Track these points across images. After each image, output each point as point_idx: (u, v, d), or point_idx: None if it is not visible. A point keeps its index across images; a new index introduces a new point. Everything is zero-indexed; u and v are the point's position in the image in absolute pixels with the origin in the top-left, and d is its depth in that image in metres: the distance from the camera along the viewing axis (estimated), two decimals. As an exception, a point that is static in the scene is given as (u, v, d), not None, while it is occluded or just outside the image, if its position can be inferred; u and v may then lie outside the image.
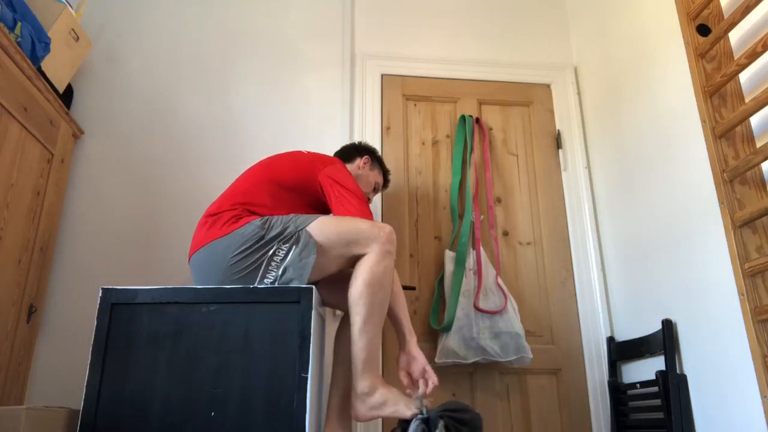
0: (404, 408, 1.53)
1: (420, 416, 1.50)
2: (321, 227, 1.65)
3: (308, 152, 1.95)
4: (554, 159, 2.66)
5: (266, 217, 1.65)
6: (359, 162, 2.10)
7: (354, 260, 1.66)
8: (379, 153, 2.19)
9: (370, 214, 1.74)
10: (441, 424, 1.45)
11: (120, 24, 2.60)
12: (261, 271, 1.60)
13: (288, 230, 1.62)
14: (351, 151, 2.14)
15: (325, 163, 1.87)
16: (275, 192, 1.78)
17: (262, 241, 1.61)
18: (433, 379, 1.64)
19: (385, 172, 2.19)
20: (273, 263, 1.60)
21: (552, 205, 2.58)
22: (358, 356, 1.58)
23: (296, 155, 1.91)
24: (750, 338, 1.62)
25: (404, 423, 1.52)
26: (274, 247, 1.61)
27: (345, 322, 1.85)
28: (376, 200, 2.46)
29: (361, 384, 1.57)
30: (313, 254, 1.59)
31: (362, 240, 1.63)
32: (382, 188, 2.21)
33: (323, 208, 1.88)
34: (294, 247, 1.60)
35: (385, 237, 1.63)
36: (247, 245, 1.60)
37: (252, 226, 1.63)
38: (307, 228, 1.64)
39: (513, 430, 2.25)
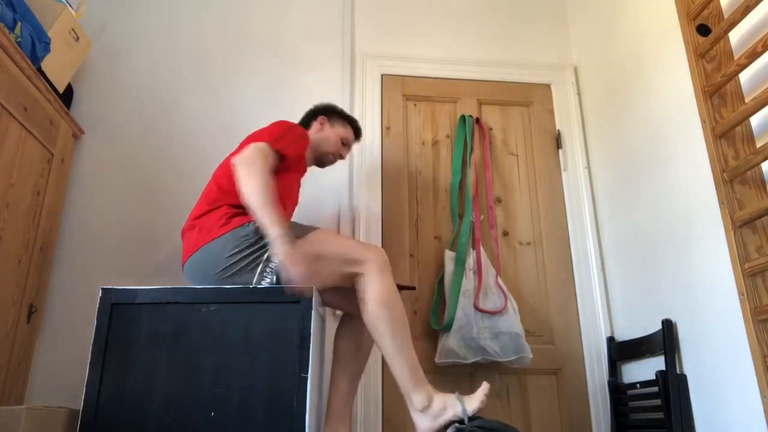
0: (460, 410, 1.53)
1: (456, 426, 1.50)
2: (317, 239, 1.64)
3: (262, 129, 1.86)
4: (554, 159, 2.66)
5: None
6: (315, 125, 2.05)
7: (349, 277, 1.64)
8: (340, 108, 2.12)
9: (260, 160, 1.63)
10: None
11: (120, 24, 2.60)
12: (257, 274, 1.60)
13: None
14: (307, 118, 2.09)
15: (262, 130, 1.80)
16: None
17: (257, 245, 1.60)
18: None
19: (351, 122, 2.10)
20: (268, 269, 1.60)
21: (552, 205, 2.58)
22: (402, 375, 1.57)
23: (250, 138, 1.84)
24: (750, 338, 1.62)
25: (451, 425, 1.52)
26: (269, 252, 1.60)
27: (344, 322, 1.85)
28: (377, 200, 2.45)
29: (418, 399, 1.55)
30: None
31: (356, 258, 1.62)
32: (355, 139, 2.13)
33: (296, 184, 1.88)
34: None
35: (377, 256, 1.63)
36: (243, 246, 1.60)
37: (247, 229, 1.62)
38: (299, 243, 1.62)
39: (513, 430, 2.25)
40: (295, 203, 2.01)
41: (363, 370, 1.85)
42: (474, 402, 1.53)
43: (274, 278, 1.59)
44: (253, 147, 1.65)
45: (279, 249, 1.52)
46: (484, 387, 1.57)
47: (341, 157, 2.08)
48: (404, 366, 1.56)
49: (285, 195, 1.82)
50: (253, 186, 1.57)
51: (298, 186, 1.97)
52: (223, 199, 1.70)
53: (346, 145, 2.09)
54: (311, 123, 2.06)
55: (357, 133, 2.14)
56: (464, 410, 1.51)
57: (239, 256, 1.59)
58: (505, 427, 1.52)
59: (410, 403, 1.57)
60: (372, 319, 1.59)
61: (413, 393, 1.56)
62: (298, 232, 1.66)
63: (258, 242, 1.61)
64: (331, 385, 1.78)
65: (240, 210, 1.67)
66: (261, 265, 1.60)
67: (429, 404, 1.55)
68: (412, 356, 1.59)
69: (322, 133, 2.03)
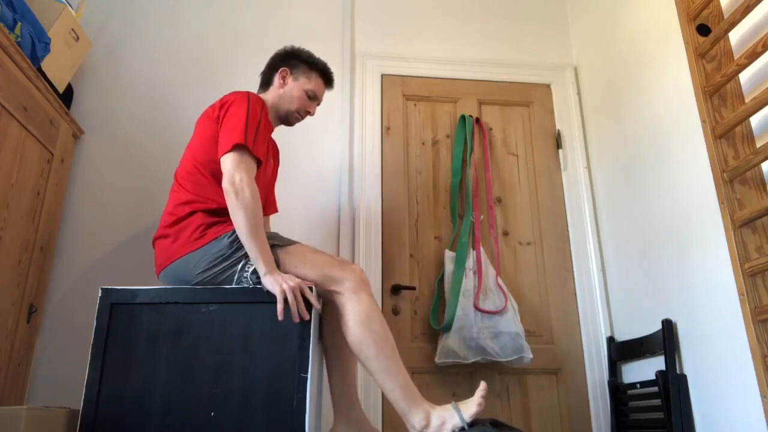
0: (458, 420, 1.48)
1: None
2: (294, 254, 1.62)
3: (211, 107, 1.76)
4: (554, 159, 2.66)
5: (237, 237, 1.61)
6: (277, 79, 1.88)
7: (326, 293, 1.62)
8: (306, 53, 1.92)
9: (247, 186, 1.57)
10: None
11: (120, 24, 2.60)
12: (233, 285, 1.60)
13: None
14: (270, 70, 1.91)
15: (223, 115, 1.70)
16: (214, 172, 1.67)
17: (231, 259, 1.60)
18: None
19: (319, 69, 1.91)
20: (243, 278, 1.59)
21: (552, 205, 2.58)
22: (394, 397, 1.51)
23: (200, 123, 1.76)
24: (750, 338, 1.62)
25: None
26: (243, 262, 1.59)
27: (326, 310, 1.78)
28: (377, 199, 2.45)
29: (415, 419, 1.49)
30: None
31: (333, 275, 1.59)
32: (326, 87, 1.95)
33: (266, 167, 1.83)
34: None
35: (353, 275, 1.60)
36: (217, 260, 1.59)
37: (220, 244, 1.60)
38: (279, 251, 1.62)
39: (513, 430, 2.25)
40: (274, 179, 2.00)
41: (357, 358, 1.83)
42: (471, 407, 1.48)
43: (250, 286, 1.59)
44: (237, 162, 1.58)
45: (270, 283, 1.52)
46: (481, 388, 1.52)
47: (308, 113, 1.91)
48: (395, 387, 1.51)
49: (261, 187, 1.79)
50: (242, 220, 1.55)
51: (268, 169, 1.91)
52: (195, 203, 1.66)
53: (313, 98, 1.90)
54: (273, 77, 1.89)
55: (327, 80, 1.94)
56: (462, 419, 1.47)
57: (213, 271, 1.59)
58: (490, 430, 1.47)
59: (409, 425, 1.51)
60: (354, 342, 1.55)
61: (409, 414, 1.50)
62: (278, 242, 1.65)
63: (232, 255, 1.60)
64: (330, 377, 1.76)
65: (215, 218, 1.65)
66: (236, 276, 1.59)
67: (427, 423, 1.49)
68: (401, 375, 1.52)
69: (284, 88, 1.86)
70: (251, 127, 1.63)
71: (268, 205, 2.04)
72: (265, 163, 1.81)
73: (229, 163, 1.59)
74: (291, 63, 1.89)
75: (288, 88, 1.87)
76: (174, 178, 1.76)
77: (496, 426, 1.47)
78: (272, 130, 1.91)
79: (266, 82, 1.92)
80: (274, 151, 2.02)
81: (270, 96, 1.89)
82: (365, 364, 1.55)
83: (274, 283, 1.51)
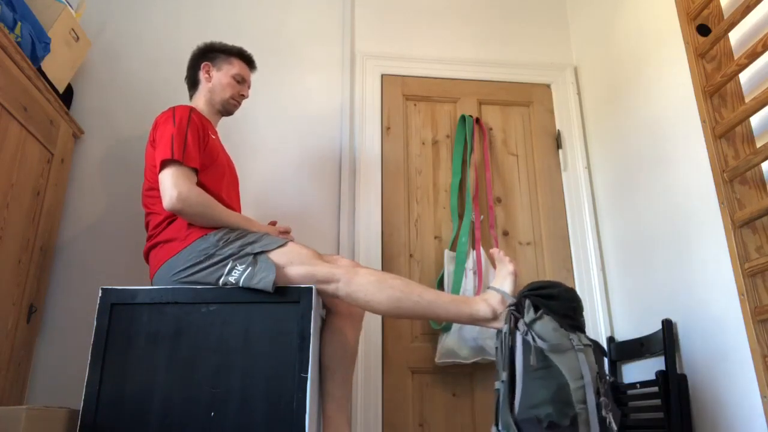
0: (502, 295, 1.60)
1: (509, 305, 1.54)
2: (285, 254, 1.62)
3: (150, 132, 1.78)
4: (554, 159, 2.66)
5: (223, 234, 1.62)
6: (202, 75, 1.94)
7: (324, 293, 1.62)
8: (219, 44, 1.99)
9: (194, 197, 1.60)
10: (527, 303, 1.49)
11: (120, 23, 2.60)
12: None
13: (244, 251, 1.59)
14: (193, 71, 1.96)
15: (154, 138, 1.73)
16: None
17: (216, 259, 1.58)
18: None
19: (237, 54, 1.96)
20: (229, 283, 1.58)
21: (552, 205, 2.58)
22: (452, 312, 1.58)
23: (146, 151, 1.78)
24: (750, 338, 1.62)
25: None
26: (229, 265, 1.58)
27: (328, 325, 1.79)
28: (377, 200, 2.45)
29: (481, 310, 1.57)
30: (271, 275, 1.54)
31: (328, 273, 1.59)
32: (250, 69, 2.01)
33: (220, 174, 1.83)
34: (250, 268, 1.56)
35: (344, 268, 1.61)
36: (201, 258, 1.59)
37: (206, 242, 1.60)
38: (270, 255, 1.60)
39: (513, 430, 2.24)
40: (235, 178, 1.98)
41: (353, 370, 1.81)
42: (505, 280, 1.63)
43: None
44: (170, 180, 1.59)
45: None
46: (499, 255, 1.69)
47: (243, 96, 1.98)
48: (444, 307, 1.57)
49: (227, 188, 1.80)
50: (206, 219, 1.61)
51: (226, 164, 1.90)
52: (173, 215, 1.67)
53: (242, 82, 1.96)
54: (198, 75, 1.95)
55: (248, 61, 2.00)
56: (505, 294, 1.59)
57: (198, 268, 1.59)
58: (541, 283, 1.55)
59: (481, 320, 1.58)
60: (387, 310, 1.58)
61: (473, 312, 1.57)
62: (261, 245, 1.64)
63: (217, 254, 1.59)
64: (323, 393, 1.72)
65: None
66: (222, 279, 1.57)
67: (489, 305, 1.58)
68: (441, 296, 1.59)
69: (212, 81, 1.92)
70: (178, 140, 1.65)
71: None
72: (215, 164, 1.79)
73: (164, 181, 1.60)
74: (209, 56, 1.96)
75: (215, 80, 1.93)
76: (143, 207, 1.78)
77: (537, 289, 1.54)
78: (213, 129, 1.91)
79: (193, 84, 1.98)
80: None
81: (201, 94, 1.94)
82: (413, 314, 1.59)
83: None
